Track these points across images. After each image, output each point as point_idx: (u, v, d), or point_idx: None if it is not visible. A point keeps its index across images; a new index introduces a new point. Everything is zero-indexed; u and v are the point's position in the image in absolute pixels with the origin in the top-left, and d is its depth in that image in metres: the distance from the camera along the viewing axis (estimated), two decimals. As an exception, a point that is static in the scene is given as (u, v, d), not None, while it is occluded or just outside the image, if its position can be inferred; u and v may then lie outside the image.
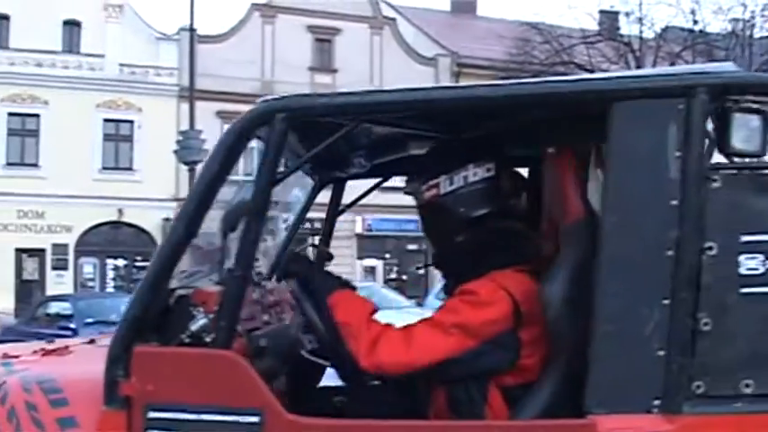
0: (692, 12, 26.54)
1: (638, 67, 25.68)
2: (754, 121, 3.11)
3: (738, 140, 3.10)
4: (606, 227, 3.08)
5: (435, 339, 3.19)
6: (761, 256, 3.02)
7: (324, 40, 36.69)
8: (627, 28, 27.80)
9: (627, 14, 27.18)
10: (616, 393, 3.02)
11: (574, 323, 3.13)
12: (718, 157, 3.15)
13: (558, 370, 3.24)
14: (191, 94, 24.94)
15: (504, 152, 3.62)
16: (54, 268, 33.35)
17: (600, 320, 3.04)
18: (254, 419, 2.96)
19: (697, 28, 26.85)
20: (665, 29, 28.31)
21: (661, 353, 3.01)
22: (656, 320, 3.03)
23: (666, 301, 3.02)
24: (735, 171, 3.07)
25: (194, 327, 3.09)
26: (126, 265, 34.18)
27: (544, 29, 26.55)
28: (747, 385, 2.98)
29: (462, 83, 37.45)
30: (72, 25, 33.70)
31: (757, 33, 27.35)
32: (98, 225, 33.75)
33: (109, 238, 34.45)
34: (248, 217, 3.06)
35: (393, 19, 38.38)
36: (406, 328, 3.24)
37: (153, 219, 32.64)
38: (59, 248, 33.34)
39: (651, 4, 26.91)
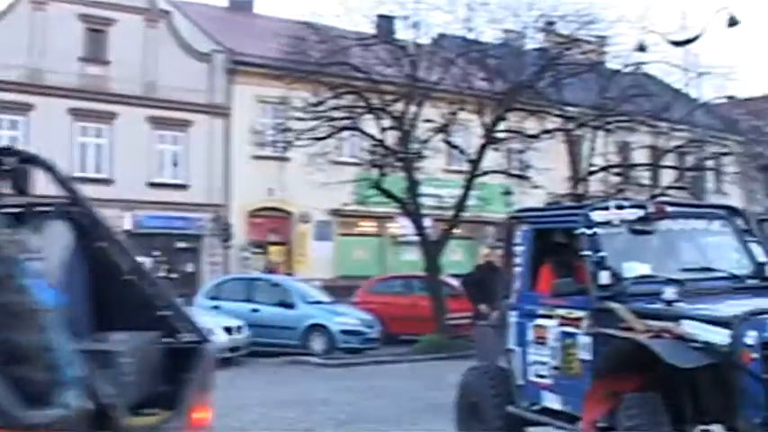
0: (467, 20, 26.95)
1: (414, 71, 25.94)
2: None
3: None
4: None
5: None
6: None
7: (96, 31, 35.40)
8: (403, 33, 28.05)
9: (405, 18, 27.35)
10: None
11: None
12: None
13: None
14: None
15: None
16: None
17: None
18: None
19: (471, 36, 27.30)
20: (441, 36, 28.71)
21: None
22: None
23: None
24: None
25: None
26: None
27: (320, 28, 26.44)
28: None
29: (238, 80, 37.10)
30: None
31: (529, 45, 28.14)
32: None
33: None
34: None
35: (168, 12, 37.51)
36: None
37: None
38: None
39: (427, 10, 27.09)
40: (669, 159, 33.87)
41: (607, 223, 8.97)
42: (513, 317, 9.98)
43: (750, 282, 9.19)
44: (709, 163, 35.90)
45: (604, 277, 8.55)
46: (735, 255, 9.60)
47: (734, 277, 9.18)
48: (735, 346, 7.33)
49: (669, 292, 8.13)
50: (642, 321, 8.04)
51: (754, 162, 35.35)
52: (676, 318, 7.92)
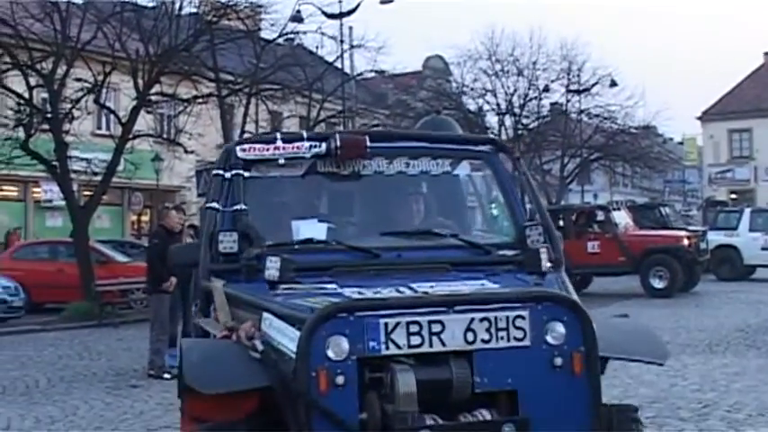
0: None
1: (64, 28, 24.89)
2: None
3: None
4: None
5: None
6: None
7: None
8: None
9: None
10: None
11: None
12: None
13: None
14: None
15: None
16: None
17: None
18: None
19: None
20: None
21: None
22: None
23: None
24: None
25: None
26: None
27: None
28: None
29: None
30: None
31: (186, 8, 27.64)
32: None
33: None
34: None
35: None
36: None
37: None
38: None
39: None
40: (319, 129, 34.45)
41: (263, 162, 6.18)
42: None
43: (498, 254, 5.98)
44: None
45: (229, 241, 5.76)
46: (493, 213, 6.69)
47: (474, 247, 6.02)
48: (300, 360, 4.41)
49: (272, 269, 5.26)
50: (231, 312, 5.46)
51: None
52: (260, 309, 5.11)
